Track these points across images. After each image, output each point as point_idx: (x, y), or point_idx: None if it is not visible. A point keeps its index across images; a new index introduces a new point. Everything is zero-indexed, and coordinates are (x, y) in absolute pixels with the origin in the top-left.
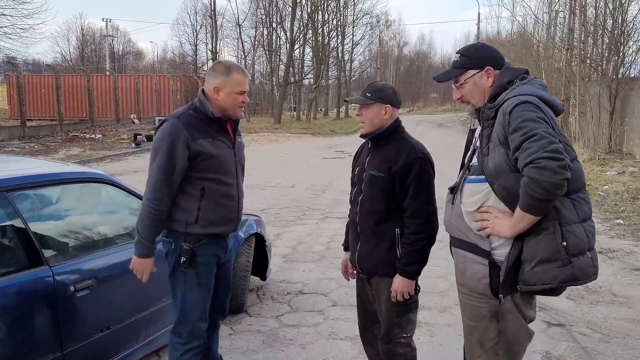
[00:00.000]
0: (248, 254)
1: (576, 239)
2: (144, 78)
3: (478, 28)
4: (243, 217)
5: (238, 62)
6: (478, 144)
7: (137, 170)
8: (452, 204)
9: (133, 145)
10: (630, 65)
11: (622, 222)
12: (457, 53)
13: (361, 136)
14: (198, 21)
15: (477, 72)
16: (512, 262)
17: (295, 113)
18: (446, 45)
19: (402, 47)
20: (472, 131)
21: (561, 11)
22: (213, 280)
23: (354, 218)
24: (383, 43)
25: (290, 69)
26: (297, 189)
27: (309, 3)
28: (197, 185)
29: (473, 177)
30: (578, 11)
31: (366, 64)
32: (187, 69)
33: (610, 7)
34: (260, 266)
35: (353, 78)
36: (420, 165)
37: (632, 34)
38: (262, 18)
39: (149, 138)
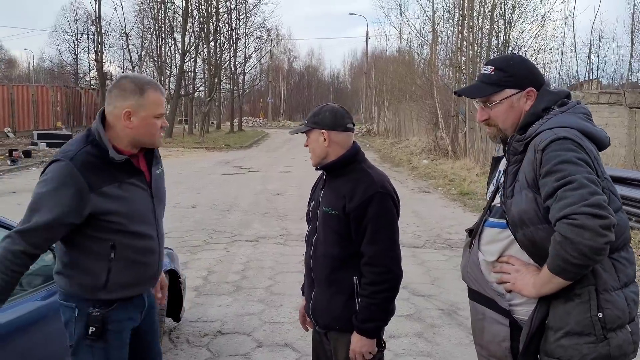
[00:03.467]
0: None
1: (616, 310)
2: (19, 88)
3: (367, 45)
4: None
5: (124, 73)
6: (502, 180)
7: (14, 191)
8: (470, 249)
9: (8, 162)
10: None
11: None
12: (489, 65)
13: (315, 167)
14: (79, 29)
15: (517, 93)
16: (536, 328)
17: (187, 126)
18: (335, 61)
19: (293, 61)
20: (496, 160)
21: (442, 31)
22: (127, 351)
23: (309, 262)
24: (274, 57)
25: (182, 81)
26: (199, 209)
27: (200, 14)
28: (105, 242)
29: (494, 220)
30: (466, 31)
31: (257, 78)
32: (66, 79)
33: (496, 27)
34: (174, 306)
35: (245, 92)
36: (379, 203)
37: (515, 52)
38: (150, 28)
39: (27, 154)
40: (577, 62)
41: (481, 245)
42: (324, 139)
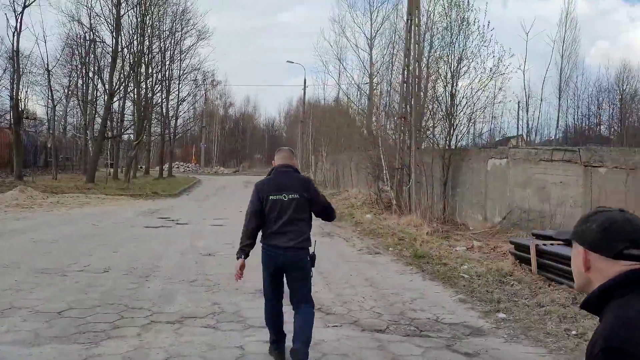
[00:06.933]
0: None
1: None
2: None
3: (304, 93)
4: None
5: (47, 112)
6: None
7: None
8: None
9: None
10: (461, 135)
11: (504, 316)
12: None
13: None
14: (1, 65)
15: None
16: None
17: (112, 170)
18: (270, 108)
19: (228, 107)
20: None
21: (379, 83)
22: None
23: None
24: (209, 102)
25: (108, 122)
26: (112, 273)
27: (131, 55)
28: None
29: None
30: (412, 82)
31: (191, 122)
32: None
33: (443, 80)
34: None
35: (177, 136)
36: None
37: (462, 105)
38: (77, 66)
39: None
40: (508, 118)
41: None
42: (582, 258)
